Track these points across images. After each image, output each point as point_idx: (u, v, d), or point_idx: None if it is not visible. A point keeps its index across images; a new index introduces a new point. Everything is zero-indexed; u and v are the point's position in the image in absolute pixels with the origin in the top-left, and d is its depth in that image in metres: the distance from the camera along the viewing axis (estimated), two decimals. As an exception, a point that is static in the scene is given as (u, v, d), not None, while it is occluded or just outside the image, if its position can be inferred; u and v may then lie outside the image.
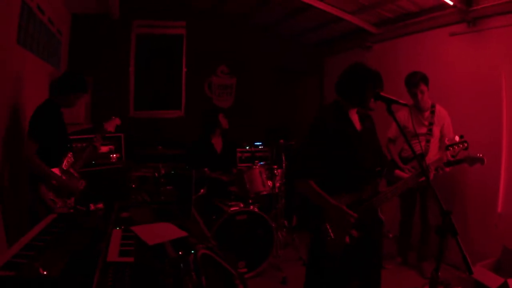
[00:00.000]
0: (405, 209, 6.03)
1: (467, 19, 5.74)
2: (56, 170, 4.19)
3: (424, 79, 5.49)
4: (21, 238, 2.47)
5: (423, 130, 5.53)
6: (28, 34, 4.79)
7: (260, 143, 8.41)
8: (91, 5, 7.35)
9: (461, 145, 3.98)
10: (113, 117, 4.90)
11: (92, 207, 3.87)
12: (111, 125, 4.86)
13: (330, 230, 3.33)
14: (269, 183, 6.08)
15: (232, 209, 5.61)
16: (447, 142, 3.99)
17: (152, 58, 8.70)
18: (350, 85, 3.41)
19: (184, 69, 8.88)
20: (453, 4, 5.60)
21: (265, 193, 6.05)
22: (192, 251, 2.45)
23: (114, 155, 6.84)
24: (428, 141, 5.51)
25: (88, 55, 7.71)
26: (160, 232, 2.71)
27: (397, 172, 3.84)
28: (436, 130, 5.58)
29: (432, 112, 5.59)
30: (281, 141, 6.52)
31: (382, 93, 3.26)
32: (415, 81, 5.48)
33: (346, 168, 3.39)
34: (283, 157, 6.30)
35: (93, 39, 7.93)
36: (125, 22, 8.30)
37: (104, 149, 6.71)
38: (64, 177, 4.27)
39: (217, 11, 8.75)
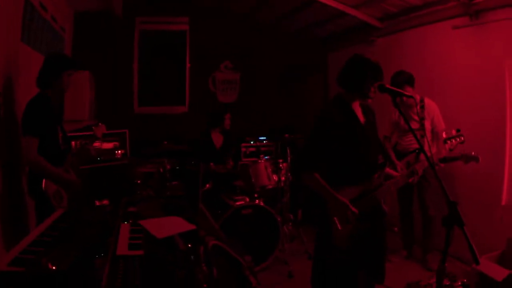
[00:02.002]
0: (403, 200, 6.07)
1: (470, 12, 5.73)
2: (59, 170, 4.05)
3: (409, 81, 5.46)
4: (28, 234, 2.47)
5: (415, 125, 5.49)
6: (32, 32, 4.79)
7: (265, 138, 8.41)
8: (94, 2, 7.36)
9: (458, 139, 4.00)
10: (100, 124, 4.85)
11: (97, 203, 3.86)
12: (98, 131, 4.80)
13: (338, 222, 3.34)
14: (275, 177, 6.09)
15: (237, 203, 5.62)
16: (444, 136, 4.01)
17: (156, 54, 8.70)
18: (350, 76, 3.45)
19: (188, 65, 8.88)
20: (456, -3, 5.61)
21: (270, 187, 6.06)
22: (202, 243, 2.46)
23: (119, 151, 6.84)
24: (422, 136, 5.48)
25: (91, 52, 7.69)
26: (168, 226, 2.71)
27: (388, 170, 3.84)
28: (427, 124, 5.59)
29: (422, 107, 5.60)
30: (286, 135, 6.53)
31: (387, 85, 3.29)
32: (399, 81, 5.39)
33: (350, 160, 3.42)
34: (288, 151, 6.30)
35: (96, 36, 7.94)
36: (128, 18, 8.31)
37: (108, 145, 6.72)
38: (68, 176, 4.14)
39: (219, 8, 8.75)
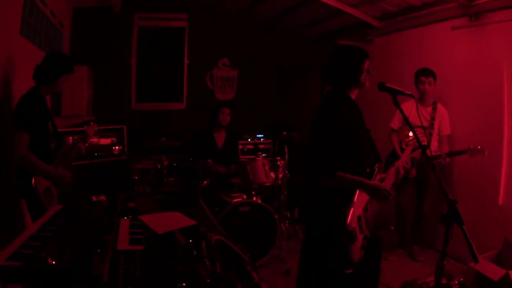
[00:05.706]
0: (401, 198, 6.10)
1: (469, 13, 5.75)
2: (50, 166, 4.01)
3: (434, 75, 5.66)
4: (27, 229, 2.46)
5: (426, 123, 5.58)
6: (31, 26, 4.79)
7: (262, 135, 8.41)
8: (93, -2, 7.37)
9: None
10: (92, 123, 4.84)
11: (94, 199, 3.84)
12: (90, 130, 4.79)
13: (358, 230, 3.09)
14: (272, 174, 6.08)
15: (235, 200, 5.60)
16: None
17: (154, 50, 8.70)
18: (342, 67, 3.34)
19: (186, 62, 8.87)
20: (456, -3, 5.62)
21: (268, 184, 6.03)
22: (204, 238, 2.45)
23: (116, 147, 6.80)
24: (430, 134, 5.57)
25: (89, 48, 7.71)
26: (169, 221, 2.70)
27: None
28: (436, 125, 5.71)
29: (434, 109, 5.74)
30: (284, 132, 6.53)
31: (387, 84, 3.16)
32: (426, 72, 5.67)
33: (356, 163, 3.26)
34: (286, 149, 6.28)
35: (95, 32, 7.92)
36: (127, 15, 8.29)
37: (106, 141, 6.70)
38: (58, 171, 4.09)
39: (218, 5, 8.74)
